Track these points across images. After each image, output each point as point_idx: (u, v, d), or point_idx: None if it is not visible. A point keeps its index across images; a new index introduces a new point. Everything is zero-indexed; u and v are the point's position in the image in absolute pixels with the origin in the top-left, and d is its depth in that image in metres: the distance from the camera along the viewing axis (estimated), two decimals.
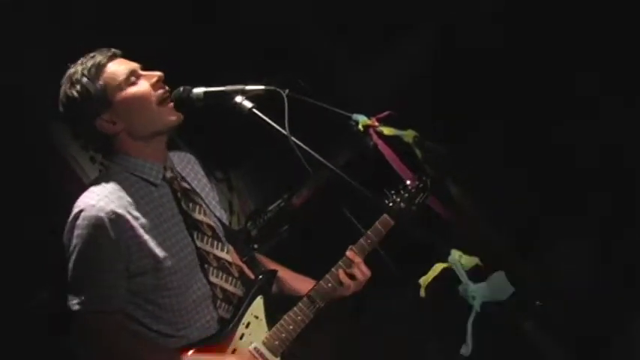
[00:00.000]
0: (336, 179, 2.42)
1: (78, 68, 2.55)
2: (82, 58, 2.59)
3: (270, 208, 4.45)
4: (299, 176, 4.45)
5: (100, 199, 2.48)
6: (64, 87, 2.56)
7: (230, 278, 2.70)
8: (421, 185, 3.01)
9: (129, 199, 2.52)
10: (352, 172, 4.31)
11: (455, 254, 2.18)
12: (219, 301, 2.66)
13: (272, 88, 2.53)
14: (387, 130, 3.03)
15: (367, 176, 2.91)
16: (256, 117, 2.49)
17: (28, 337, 3.58)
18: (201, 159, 4.55)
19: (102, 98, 2.52)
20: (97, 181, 2.58)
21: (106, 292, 2.47)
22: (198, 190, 2.78)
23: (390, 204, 2.96)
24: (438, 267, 2.23)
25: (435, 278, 2.25)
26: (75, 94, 2.52)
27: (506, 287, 2.22)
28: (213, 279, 2.65)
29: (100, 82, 2.52)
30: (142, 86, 2.56)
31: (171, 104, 2.58)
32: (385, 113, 3.06)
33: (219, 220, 2.78)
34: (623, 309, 3.87)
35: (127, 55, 2.67)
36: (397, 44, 4.59)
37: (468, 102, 4.28)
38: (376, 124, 3.02)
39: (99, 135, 2.57)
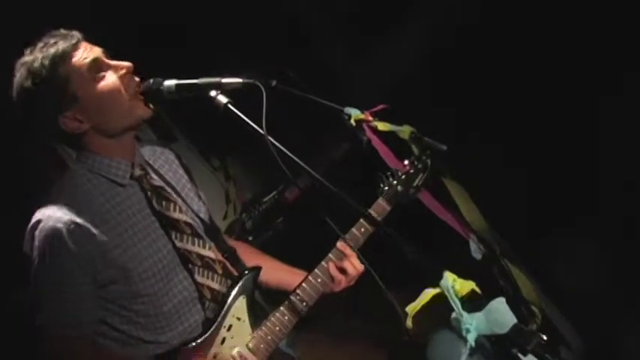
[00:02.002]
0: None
1: (37, 56, 2.20)
2: (40, 43, 2.24)
3: (265, 199, 4.14)
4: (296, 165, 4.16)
5: (59, 208, 2.19)
6: (20, 76, 2.22)
7: (215, 276, 2.42)
8: (420, 166, 2.64)
9: (92, 204, 2.23)
10: (349, 165, 4.11)
11: (448, 278, 1.82)
12: (207, 302, 2.38)
13: (250, 81, 2.20)
14: (381, 125, 2.72)
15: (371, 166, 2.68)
16: (232, 113, 2.15)
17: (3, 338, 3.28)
18: (198, 147, 4.34)
19: (65, 94, 2.20)
20: (58, 186, 2.29)
21: (68, 306, 2.20)
22: (173, 184, 2.48)
23: (386, 187, 2.59)
24: (428, 294, 1.88)
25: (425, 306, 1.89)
26: (32, 86, 2.19)
27: (508, 318, 1.85)
28: (199, 279, 2.37)
29: (63, 76, 2.20)
30: (111, 80, 2.24)
31: (141, 99, 2.27)
32: (379, 107, 2.75)
33: (197, 216, 2.49)
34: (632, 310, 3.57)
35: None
36: (394, 35, 4.21)
37: (469, 96, 3.91)
38: (370, 118, 2.72)
39: (62, 133, 2.25)
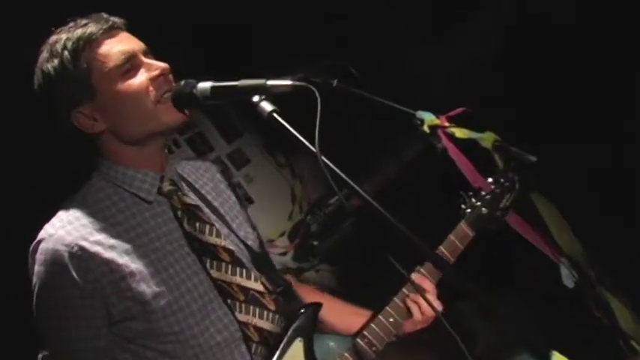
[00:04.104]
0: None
1: (62, 36, 1.81)
2: (72, 23, 1.85)
3: (331, 200, 3.67)
4: (368, 162, 3.70)
5: (63, 226, 1.76)
6: (42, 56, 1.84)
7: (265, 313, 1.91)
8: (507, 184, 2.16)
9: (108, 221, 1.80)
10: (420, 169, 3.63)
11: None
12: (255, 345, 1.88)
13: (302, 84, 1.71)
14: (459, 132, 2.27)
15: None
16: (278, 124, 1.69)
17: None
18: (263, 142, 3.93)
19: (83, 85, 1.79)
20: (70, 200, 1.86)
21: (71, 346, 1.76)
22: (216, 205, 2.01)
23: (468, 209, 2.13)
24: None
25: None
26: (51, 70, 1.80)
27: None
28: (242, 317, 1.86)
29: (84, 64, 1.78)
30: (139, 80, 1.80)
31: (170, 103, 1.82)
32: (457, 110, 2.29)
33: (244, 243, 1.99)
34: None
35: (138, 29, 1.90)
36: (469, 22, 3.64)
37: (552, 92, 3.31)
38: (446, 124, 2.28)
39: (74, 131, 1.83)
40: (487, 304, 1.49)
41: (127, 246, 1.78)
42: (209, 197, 2.01)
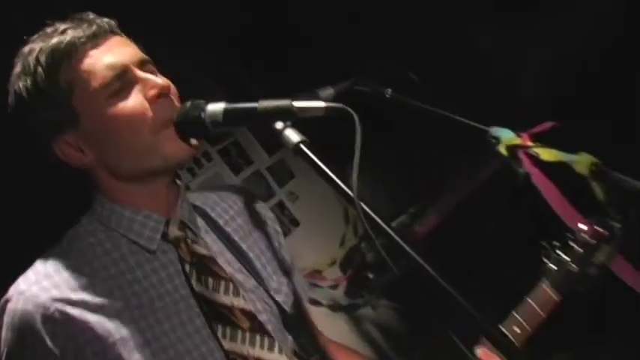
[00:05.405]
0: None
1: (36, 47, 1.47)
2: (49, 28, 1.49)
3: (393, 223, 3.24)
4: (430, 184, 3.26)
5: (38, 280, 1.41)
6: (15, 72, 1.50)
7: None
8: (606, 234, 1.74)
9: (96, 276, 1.44)
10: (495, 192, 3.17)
11: None
12: None
13: (338, 105, 1.35)
14: (546, 154, 1.83)
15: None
16: (307, 159, 1.37)
17: None
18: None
19: (62, 109, 1.45)
20: (52, 247, 1.51)
21: None
22: (244, 247, 1.64)
23: (553, 265, 1.73)
24: None
25: None
26: (23, 90, 1.47)
27: None
28: None
29: (63, 83, 1.44)
30: (132, 103, 1.43)
31: (172, 129, 1.45)
32: (543, 126, 1.88)
33: (273, 299, 1.61)
34: None
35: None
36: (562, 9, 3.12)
37: None
38: (529, 143, 1.86)
39: (60, 162, 1.50)
40: None
41: (119, 305, 1.42)
42: (236, 237, 1.65)
